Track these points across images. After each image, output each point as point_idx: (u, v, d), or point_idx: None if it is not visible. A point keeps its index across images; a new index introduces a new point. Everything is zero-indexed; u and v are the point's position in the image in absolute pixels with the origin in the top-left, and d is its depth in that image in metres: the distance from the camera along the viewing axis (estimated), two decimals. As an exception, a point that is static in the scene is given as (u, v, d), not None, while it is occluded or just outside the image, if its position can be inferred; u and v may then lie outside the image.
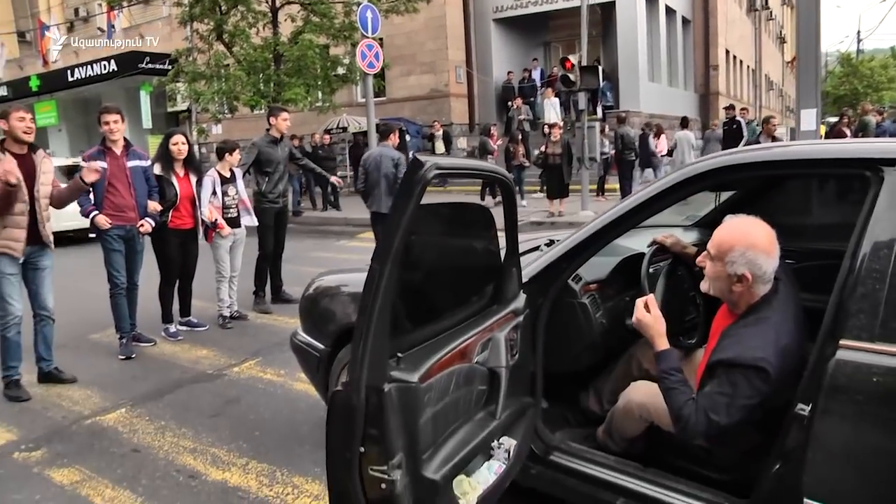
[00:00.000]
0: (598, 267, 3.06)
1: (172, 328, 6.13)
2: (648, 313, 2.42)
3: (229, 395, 4.67)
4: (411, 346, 1.90)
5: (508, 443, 2.35)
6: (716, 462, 2.50)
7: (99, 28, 24.25)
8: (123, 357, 5.54)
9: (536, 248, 3.05)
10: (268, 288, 7.16)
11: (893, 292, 1.88)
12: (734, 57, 29.09)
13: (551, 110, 18.56)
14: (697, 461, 2.55)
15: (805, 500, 1.96)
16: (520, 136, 15.91)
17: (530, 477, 2.75)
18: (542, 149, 13.48)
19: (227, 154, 6.43)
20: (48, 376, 5.00)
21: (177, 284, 6.25)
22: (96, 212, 5.29)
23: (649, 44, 21.96)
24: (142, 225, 5.52)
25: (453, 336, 2.06)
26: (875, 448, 1.88)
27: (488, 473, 2.23)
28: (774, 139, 10.56)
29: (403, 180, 1.62)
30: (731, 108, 16.39)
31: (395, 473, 1.70)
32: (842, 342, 1.93)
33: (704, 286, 2.43)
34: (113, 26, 22.53)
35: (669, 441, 2.62)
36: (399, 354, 1.78)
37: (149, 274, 5.97)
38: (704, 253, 2.39)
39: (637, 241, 3.26)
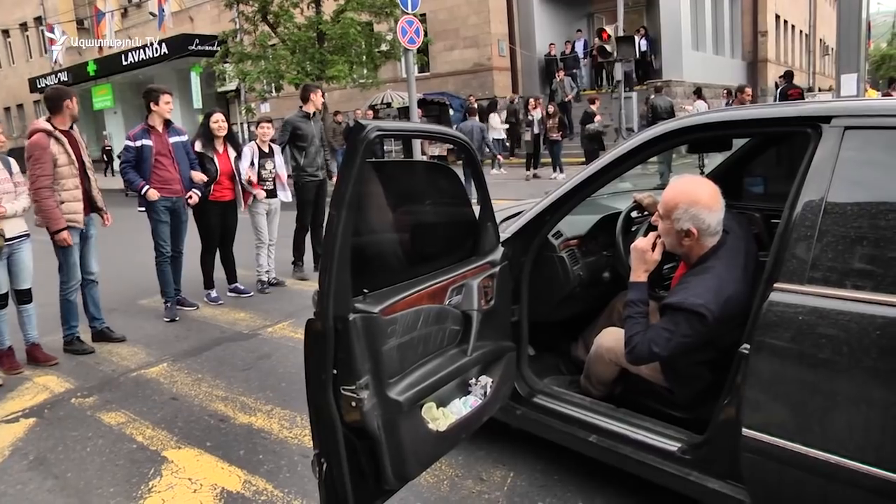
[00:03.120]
0: (579, 224, 3.29)
1: (214, 293, 6.55)
2: (651, 250, 2.61)
3: (261, 352, 5.06)
4: (382, 286, 2.18)
5: (485, 381, 2.63)
6: (678, 402, 2.73)
7: (150, 13, 24.96)
8: (168, 319, 5.99)
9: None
10: (308, 257, 7.54)
11: (821, 240, 2.05)
12: (785, 21, 28.22)
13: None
14: (664, 402, 2.79)
15: (743, 429, 2.17)
16: (554, 110, 15.91)
17: (516, 417, 3.02)
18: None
19: (256, 128, 6.81)
20: (101, 334, 5.48)
21: (218, 255, 6.66)
22: (147, 186, 5.71)
23: (693, 10, 21.58)
24: (190, 196, 5.95)
25: (422, 280, 2.33)
26: (799, 379, 2.07)
27: (463, 407, 2.50)
28: None
29: (349, 140, 1.90)
30: (786, 75, 15.89)
31: (362, 393, 1.99)
32: (775, 285, 2.12)
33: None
34: (164, 11, 23.15)
35: (640, 384, 2.87)
36: (366, 291, 2.07)
37: (193, 244, 6.40)
38: (656, 214, 2.60)
39: (622, 203, 3.47)
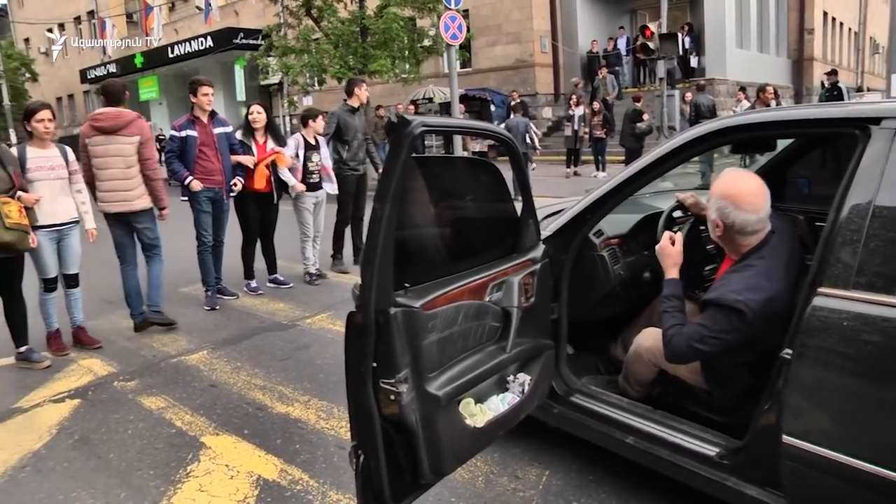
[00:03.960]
0: (621, 224, 3.26)
1: (254, 283, 6.64)
2: (672, 245, 2.66)
3: (300, 343, 5.12)
4: (424, 280, 2.19)
5: (523, 378, 2.62)
6: (717, 405, 2.69)
7: (197, 7, 25.34)
8: (208, 308, 6.10)
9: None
10: (348, 250, 7.59)
11: (868, 244, 2.00)
12: (833, 19, 27.48)
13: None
14: (702, 405, 2.76)
15: (783, 436, 2.13)
16: (598, 107, 15.77)
17: (553, 416, 3.01)
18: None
19: (310, 120, 6.78)
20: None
21: (259, 246, 6.74)
22: (191, 177, 5.81)
23: (738, 7, 21.17)
24: (234, 183, 6.05)
25: (463, 276, 2.33)
26: (843, 387, 2.02)
27: (501, 403, 2.49)
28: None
29: (394, 135, 1.91)
30: (832, 73, 15.86)
31: (401, 387, 2.00)
32: (819, 290, 2.08)
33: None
34: (210, 5, 23.49)
35: (679, 386, 2.84)
36: (407, 285, 2.08)
37: (234, 233, 6.50)
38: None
39: (665, 203, 3.43)
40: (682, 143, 2.60)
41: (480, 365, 2.33)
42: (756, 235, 2.43)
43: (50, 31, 32.35)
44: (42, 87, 36.07)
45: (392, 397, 2.00)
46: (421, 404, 2.06)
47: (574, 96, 16.20)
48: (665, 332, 2.52)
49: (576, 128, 15.68)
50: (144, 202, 5.31)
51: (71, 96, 40.12)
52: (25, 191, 4.50)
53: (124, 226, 5.34)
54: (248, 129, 6.42)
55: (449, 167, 2.97)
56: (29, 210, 4.47)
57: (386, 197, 1.85)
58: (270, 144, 6.49)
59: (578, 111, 15.67)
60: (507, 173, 2.72)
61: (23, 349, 4.84)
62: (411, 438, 2.07)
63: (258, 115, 6.42)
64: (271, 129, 6.61)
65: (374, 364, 1.99)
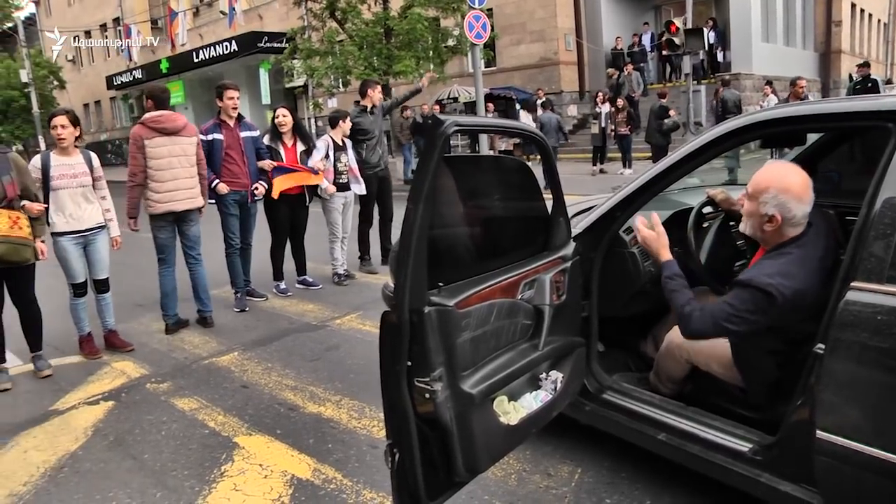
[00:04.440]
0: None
1: (283, 285, 6.70)
2: (651, 230, 2.68)
3: (330, 343, 5.16)
4: (456, 279, 2.21)
5: (556, 375, 2.63)
6: (750, 400, 2.68)
7: (221, 11, 25.59)
8: (238, 310, 6.17)
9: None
10: (375, 251, 7.64)
11: None
12: (861, 10, 27.10)
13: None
14: (734, 401, 2.75)
15: (817, 431, 2.12)
16: (623, 104, 15.69)
17: (585, 413, 3.02)
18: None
19: (340, 121, 6.84)
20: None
21: (288, 246, 6.79)
22: (217, 180, 5.89)
23: (764, 1, 20.94)
24: (256, 188, 6.10)
25: (495, 274, 2.35)
26: (877, 381, 2.01)
27: (534, 401, 2.51)
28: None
29: (427, 135, 1.92)
30: (865, 65, 15.55)
31: (436, 385, 2.01)
32: (853, 284, 2.07)
33: (742, 225, 2.60)
34: (234, 9, 23.71)
35: (711, 383, 2.83)
36: (440, 284, 2.10)
37: (262, 235, 6.57)
38: (743, 192, 2.55)
39: (693, 199, 3.41)
40: (713, 138, 2.59)
41: (513, 363, 2.35)
42: (798, 228, 2.42)
43: (76, 38, 32.93)
44: (70, 94, 36.67)
45: (427, 395, 2.02)
46: (455, 402, 2.07)
47: (601, 93, 16.12)
48: (681, 309, 2.49)
49: (603, 125, 15.61)
50: (202, 200, 5.61)
51: (98, 102, 40.74)
52: (34, 200, 4.53)
53: (172, 226, 5.47)
54: (276, 132, 6.47)
55: (480, 165, 2.98)
56: (36, 220, 4.51)
57: (419, 197, 1.87)
58: (300, 147, 6.54)
59: (605, 108, 15.59)
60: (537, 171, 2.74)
61: (33, 355, 4.88)
62: (446, 436, 2.09)
63: (284, 118, 6.45)
64: (299, 130, 6.64)
65: (409, 363, 2.01)
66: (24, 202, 4.46)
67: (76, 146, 4.93)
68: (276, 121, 6.47)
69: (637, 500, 2.85)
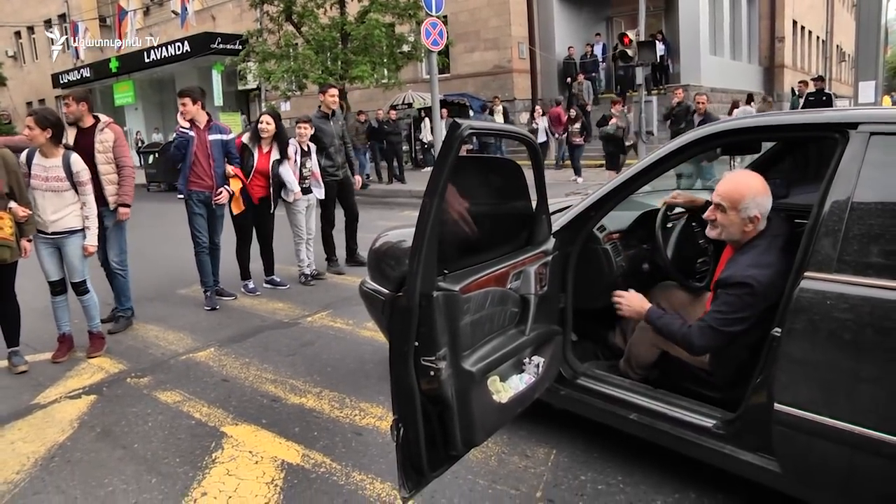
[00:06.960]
0: (620, 220, 3.52)
1: (251, 284, 6.81)
2: (626, 301, 3.07)
3: (304, 339, 5.30)
4: (456, 268, 2.42)
5: (538, 360, 2.86)
6: (716, 382, 2.95)
7: (173, 11, 25.29)
8: (209, 308, 6.26)
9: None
10: (342, 252, 7.81)
11: (848, 234, 2.30)
12: (802, 27, 28.29)
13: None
14: (699, 383, 3.02)
15: (775, 404, 2.41)
16: (576, 114, 16.11)
17: (560, 398, 3.25)
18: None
19: (299, 126, 7.01)
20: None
21: (259, 248, 6.89)
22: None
23: (712, 15, 21.72)
24: (219, 194, 6.19)
25: (490, 265, 2.57)
26: (827, 359, 2.31)
27: (520, 382, 2.73)
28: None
29: (446, 137, 2.13)
30: (819, 79, 16.09)
31: (440, 363, 2.22)
32: (806, 274, 2.36)
33: (713, 233, 2.88)
34: (186, 9, 23.46)
35: (677, 368, 3.10)
36: (445, 272, 2.31)
37: (230, 238, 6.69)
38: (712, 207, 2.83)
39: (660, 200, 3.70)
40: (680, 146, 2.88)
41: (503, 346, 2.57)
42: (765, 220, 2.75)
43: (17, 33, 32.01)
44: (10, 92, 35.53)
45: (432, 373, 2.22)
46: (457, 379, 2.28)
47: (538, 108, 16.54)
48: (679, 333, 2.79)
49: (541, 140, 16.03)
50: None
51: (42, 101, 39.61)
52: (24, 200, 4.59)
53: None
54: (256, 135, 6.59)
55: (478, 166, 3.20)
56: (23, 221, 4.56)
57: (435, 192, 2.08)
58: (274, 154, 6.63)
59: (542, 122, 16.00)
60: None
61: (10, 350, 4.91)
62: (446, 411, 2.29)
63: (267, 125, 6.55)
64: (279, 140, 6.67)
65: (416, 343, 2.21)
66: (12, 204, 4.50)
67: (65, 147, 4.92)
68: (259, 126, 6.60)
69: (610, 475, 3.10)
